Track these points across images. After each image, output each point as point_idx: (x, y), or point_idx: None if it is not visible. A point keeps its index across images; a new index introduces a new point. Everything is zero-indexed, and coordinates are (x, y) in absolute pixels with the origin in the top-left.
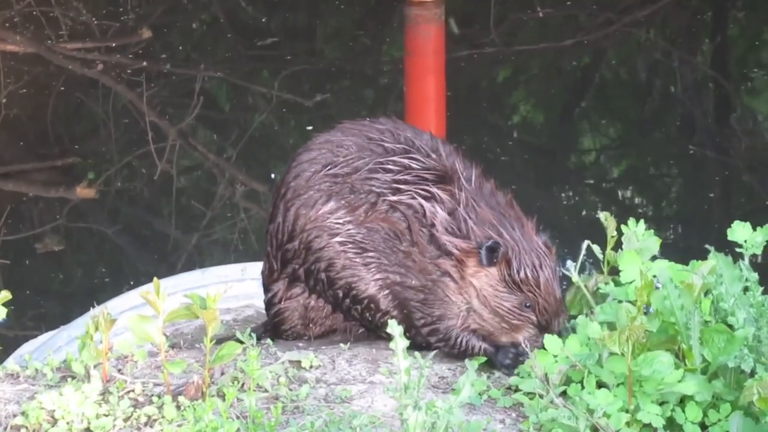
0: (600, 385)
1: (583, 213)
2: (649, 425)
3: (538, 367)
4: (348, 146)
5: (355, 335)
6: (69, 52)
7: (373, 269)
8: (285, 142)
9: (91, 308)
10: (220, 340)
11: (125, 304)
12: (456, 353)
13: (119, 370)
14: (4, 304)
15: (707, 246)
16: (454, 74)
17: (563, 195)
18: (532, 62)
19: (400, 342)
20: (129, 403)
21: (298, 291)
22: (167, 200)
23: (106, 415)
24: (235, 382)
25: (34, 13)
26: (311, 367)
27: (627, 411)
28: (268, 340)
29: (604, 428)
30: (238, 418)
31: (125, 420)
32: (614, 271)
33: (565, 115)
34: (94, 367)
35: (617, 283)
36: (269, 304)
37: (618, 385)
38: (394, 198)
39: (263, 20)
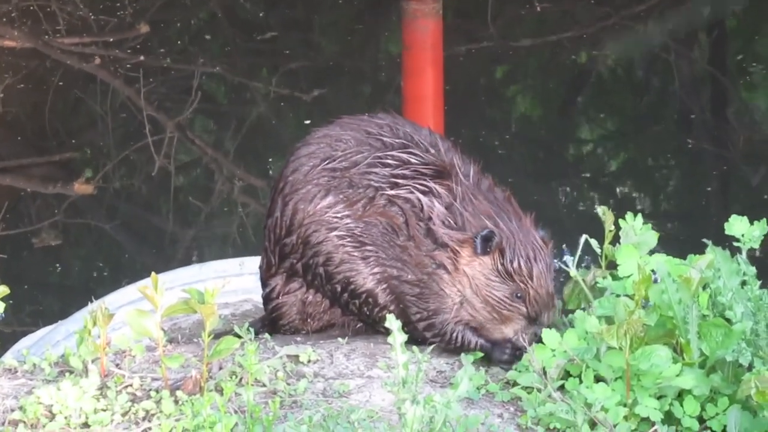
0: (598, 379)
1: (581, 207)
2: (647, 419)
3: (535, 361)
4: (347, 141)
5: (353, 330)
6: (66, 47)
7: (371, 263)
8: (283, 136)
9: (89, 303)
10: (218, 335)
11: (123, 299)
12: (452, 348)
13: (117, 365)
14: (2, 299)
15: (705, 240)
16: (452, 69)
17: (561, 189)
18: (530, 57)
19: (398, 336)
20: (127, 398)
21: (296, 286)
22: (165, 195)
23: (104, 410)
24: (233, 376)
25: (32, 7)
26: (309, 361)
27: (625, 405)
28: (266, 335)
29: (602, 422)
30: (236, 412)
31: (123, 415)
32: (612, 266)
33: (562, 109)
34: (92, 361)
35: (615, 278)
36: (267, 298)
37: (616, 379)
38: (392, 192)
39: (261, 15)
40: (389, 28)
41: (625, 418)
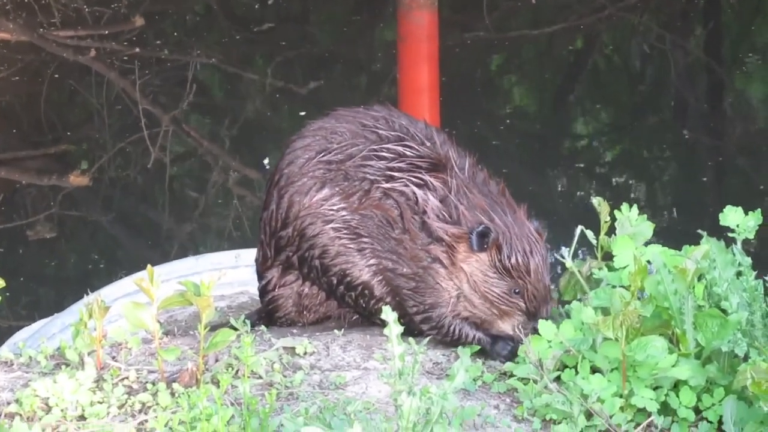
0: (594, 370)
1: (577, 198)
2: (643, 410)
3: (532, 352)
4: (342, 133)
5: (349, 322)
6: (62, 40)
7: (367, 255)
8: (279, 128)
9: (85, 295)
10: (214, 327)
11: (119, 292)
12: (449, 341)
13: (113, 358)
14: None
15: (700, 231)
16: (448, 60)
17: (557, 180)
18: (526, 48)
19: (394, 328)
20: (123, 390)
21: (291, 278)
22: (161, 187)
23: (101, 403)
24: (230, 368)
25: (26, 0)
26: (305, 353)
27: (621, 396)
28: (263, 327)
29: (598, 413)
30: (232, 404)
31: (119, 407)
32: (608, 257)
33: (558, 100)
34: (88, 354)
35: (611, 269)
36: (263, 291)
37: (612, 370)
38: (388, 185)
39: (256, 7)
40: (385, 20)
41: (621, 408)
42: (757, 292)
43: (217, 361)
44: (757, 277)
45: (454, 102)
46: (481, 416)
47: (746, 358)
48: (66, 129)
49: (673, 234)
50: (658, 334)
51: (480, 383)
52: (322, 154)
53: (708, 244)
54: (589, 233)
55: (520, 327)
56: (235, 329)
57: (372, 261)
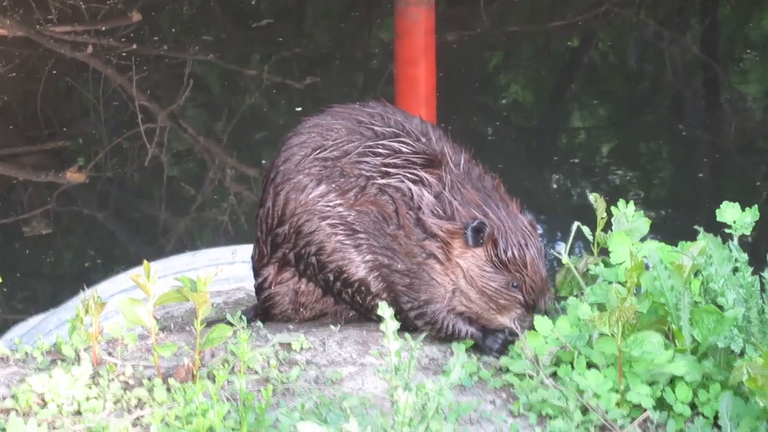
0: (590, 366)
1: (573, 194)
2: (639, 406)
3: (528, 348)
4: (338, 130)
5: (346, 318)
6: (58, 36)
7: (363, 251)
8: (275, 125)
9: (81, 291)
10: (210, 323)
11: (115, 288)
12: (443, 336)
13: (109, 353)
14: None
15: (697, 227)
16: (445, 56)
17: (553, 176)
18: (523, 44)
19: (390, 324)
20: (119, 386)
21: (288, 275)
22: (157, 183)
23: (97, 398)
24: (226, 364)
25: None
26: (302, 349)
27: (617, 391)
28: (259, 323)
29: (594, 409)
30: (228, 400)
31: (115, 402)
32: (604, 252)
33: (555, 96)
34: (84, 350)
35: (607, 264)
36: (259, 289)
37: (608, 365)
38: (383, 181)
39: (253, 3)
40: (382, 16)
41: (617, 404)
42: (753, 288)
43: (213, 356)
44: (753, 273)
45: (450, 98)
46: (477, 412)
47: (742, 353)
48: (63, 125)
49: (670, 230)
50: (654, 330)
51: (476, 379)
52: (318, 150)
53: (704, 240)
54: (586, 229)
55: (516, 321)
56: (232, 325)
57: (368, 257)
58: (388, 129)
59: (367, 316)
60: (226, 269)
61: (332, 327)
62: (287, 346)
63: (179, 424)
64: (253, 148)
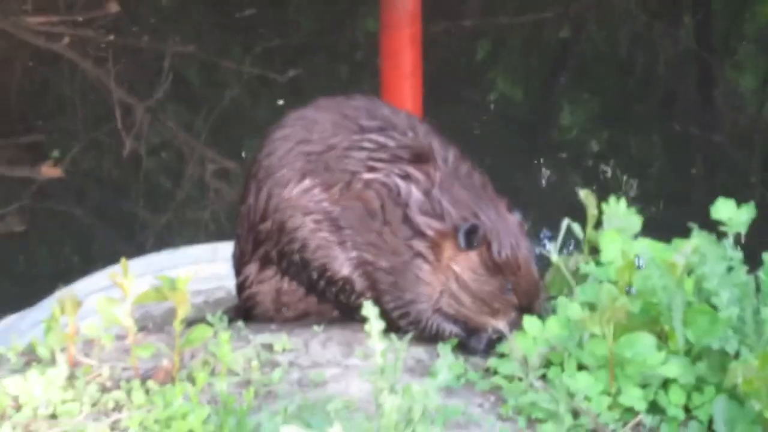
0: (581, 367)
1: (563, 190)
2: (631, 409)
3: (516, 349)
4: (323, 123)
5: (330, 318)
6: (33, 27)
7: (348, 248)
8: (257, 118)
9: (57, 290)
10: (190, 323)
11: (92, 286)
12: (426, 336)
13: (86, 354)
14: None
15: (690, 224)
16: (432, 48)
17: (543, 172)
18: (512, 35)
19: (375, 324)
20: (96, 388)
21: (270, 274)
22: (135, 179)
23: (73, 401)
24: (206, 366)
25: None
26: (284, 350)
27: (608, 394)
28: (240, 323)
29: (585, 412)
30: (208, 403)
31: (92, 405)
32: (595, 251)
33: (545, 89)
34: (60, 351)
35: (598, 263)
36: (240, 287)
37: (599, 367)
38: (369, 176)
39: None
40: (367, 6)
41: (609, 407)
42: (748, 288)
43: (193, 358)
44: (748, 273)
45: (437, 91)
46: (465, 415)
47: (737, 355)
48: (37, 118)
49: (663, 227)
50: (646, 330)
51: (463, 381)
52: (302, 144)
53: (698, 238)
54: (576, 227)
55: (508, 324)
56: (212, 325)
57: (353, 254)
58: (374, 123)
59: (352, 316)
60: (206, 267)
61: (315, 327)
62: (269, 347)
63: (158, 428)
64: (234, 142)
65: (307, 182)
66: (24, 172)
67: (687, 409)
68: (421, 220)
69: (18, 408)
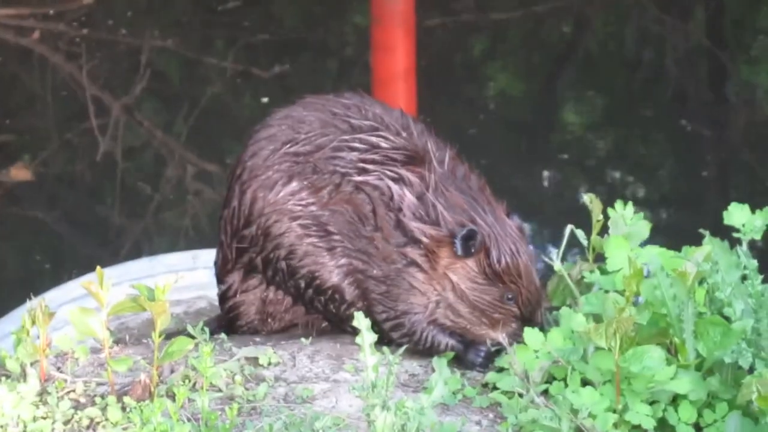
0: (585, 382)
1: (566, 194)
2: (638, 426)
3: (517, 363)
4: (310, 122)
5: (318, 329)
6: (2, 20)
7: (337, 255)
8: (240, 117)
9: (28, 300)
10: (169, 335)
11: (65, 296)
12: (421, 349)
13: (58, 369)
14: None
15: (702, 230)
16: (426, 44)
17: (545, 175)
18: (511, 30)
19: (366, 336)
20: (69, 405)
21: (255, 283)
22: (111, 182)
23: (44, 418)
24: (187, 380)
25: None
26: (269, 364)
27: (614, 411)
28: (223, 335)
29: (589, 429)
30: (189, 420)
31: (65, 423)
32: (600, 258)
33: (546, 87)
34: (31, 365)
35: (603, 272)
36: (223, 297)
37: (605, 382)
38: (360, 178)
39: None
40: None
41: (615, 425)
42: (763, 298)
43: (172, 372)
44: (763, 282)
45: (432, 89)
46: None
47: (751, 369)
48: (6, 117)
49: (672, 234)
50: (655, 343)
51: (460, 397)
52: (289, 145)
53: (710, 245)
54: (580, 233)
55: (508, 335)
56: (193, 337)
57: (343, 261)
58: (365, 122)
59: (342, 327)
60: (186, 276)
61: (303, 339)
62: (254, 361)
63: None
64: (216, 143)
65: (294, 185)
66: None
67: (698, 427)
68: (415, 226)
69: None
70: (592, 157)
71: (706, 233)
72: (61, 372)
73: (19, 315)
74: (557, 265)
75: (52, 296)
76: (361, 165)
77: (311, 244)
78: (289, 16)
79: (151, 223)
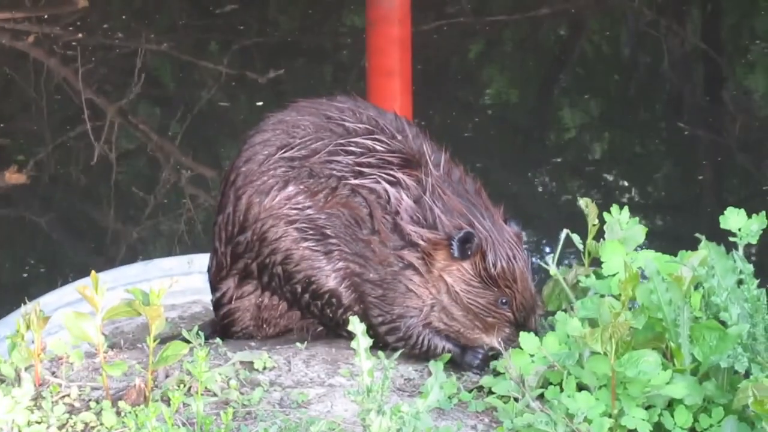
0: (580, 387)
1: (562, 199)
2: (634, 431)
3: (512, 367)
4: (305, 126)
5: (313, 334)
6: None
7: (334, 259)
8: (235, 122)
9: (22, 305)
10: (164, 340)
11: (60, 300)
12: (417, 353)
13: (53, 373)
14: None
15: (698, 235)
16: (422, 47)
17: (540, 179)
18: (507, 33)
19: (362, 341)
20: (64, 409)
21: (250, 289)
22: (106, 186)
23: (39, 422)
24: (181, 385)
25: None
26: (265, 368)
27: (610, 416)
28: (217, 339)
29: None
30: (184, 424)
31: (60, 428)
32: (596, 263)
33: (542, 90)
34: (26, 369)
35: (599, 276)
36: (218, 304)
37: (600, 387)
38: (356, 182)
39: None
40: (352, 2)
41: (610, 429)
42: (759, 303)
43: (167, 376)
44: (759, 286)
45: (427, 92)
46: None
47: (747, 374)
48: (1, 121)
49: (668, 238)
50: (650, 348)
51: (456, 401)
52: (284, 149)
53: (706, 250)
54: (576, 237)
55: (502, 340)
56: (188, 342)
57: (339, 264)
58: (360, 125)
59: (337, 332)
60: (181, 280)
61: (298, 344)
62: (249, 365)
63: None
64: (211, 147)
65: (290, 189)
66: None
67: None
68: (412, 229)
69: None
70: (587, 161)
71: (702, 238)
72: (55, 376)
73: (14, 319)
74: (553, 269)
75: (47, 300)
76: (357, 168)
77: (308, 248)
78: (284, 19)
79: (145, 227)
